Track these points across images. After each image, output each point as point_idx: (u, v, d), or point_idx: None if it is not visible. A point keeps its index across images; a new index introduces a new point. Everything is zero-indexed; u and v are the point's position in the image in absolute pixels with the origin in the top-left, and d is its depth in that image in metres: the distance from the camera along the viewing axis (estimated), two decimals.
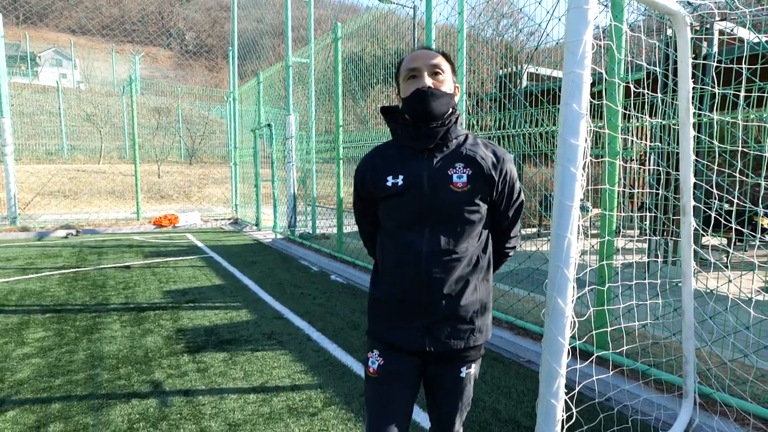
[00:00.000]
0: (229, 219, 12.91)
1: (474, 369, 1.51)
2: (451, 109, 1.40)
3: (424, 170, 1.37)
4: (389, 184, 1.39)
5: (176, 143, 23.83)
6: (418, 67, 1.37)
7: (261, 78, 10.55)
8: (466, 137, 1.45)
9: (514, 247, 1.60)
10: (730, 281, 2.55)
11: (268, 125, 9.57)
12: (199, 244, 9.01)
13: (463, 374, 1.47)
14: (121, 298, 5.11)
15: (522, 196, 1.51)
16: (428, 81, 1.37)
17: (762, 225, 5.14)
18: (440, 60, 1.39)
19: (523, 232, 8.93)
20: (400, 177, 1.39)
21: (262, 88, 10.55)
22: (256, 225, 11.17)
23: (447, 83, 1.39)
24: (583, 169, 1.67)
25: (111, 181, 17.69)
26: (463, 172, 1.37)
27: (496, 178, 1.40)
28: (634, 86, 2.15)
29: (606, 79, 2.42)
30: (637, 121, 3.01)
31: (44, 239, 9.32)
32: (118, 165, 20.44)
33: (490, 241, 1.48)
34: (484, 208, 1.40)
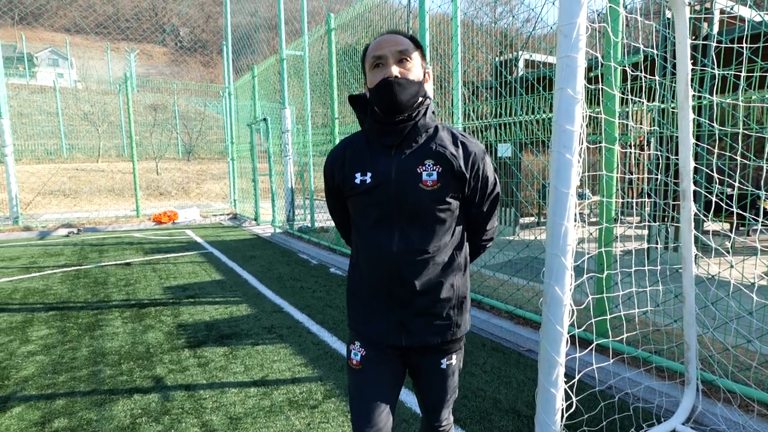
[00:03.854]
0: (227, 214, 12.90)
1: (455, 360, 1.48)
2: (420, 99, 1.32)
3: (392, 168, 1.31)
4: (357, 181, 1.34)
5: (173, 140, 23.78)
6: (384, 55, 1.28)
7: (256, 72, 10.48)
8: (437, 130, 1.37)
9: (491, 239, 1.55)
10: (732, 266, 2.54)
11: (264, 119, 9.53)
12: (199, 239, 9.00)
13: (443, 365, 1.44)
14: (122, 294, 5.11)
15: (497, 188, 1.44)
16: (395, 70, 1.27)
17: (765, 208, 5.10)
18: (407, 45, 1.30)
19: (522, 221, 8.95)
20: (369, 174, 1.33)
21: (257, 82, 10.49)
22: (255, 220, 11.16)
23: (415, 70, 1.30)
24: (579, 155, 1.65)
25: (110, 179, 17.67)
26: (433, 170, 1.30)
27: (468, 175, 1.33)
28: (631, 70, 2.12)
29: (602, 64, 2.39)
30: (635, 105, 2.98)
31: (46, 238, 9.32)
32: (116, 163, 20.43)
33: (465, 237, 1.44)
34: (456, 204, 1.34)
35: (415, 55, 1.31)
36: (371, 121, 1.36)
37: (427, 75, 1.37)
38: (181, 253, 7.54)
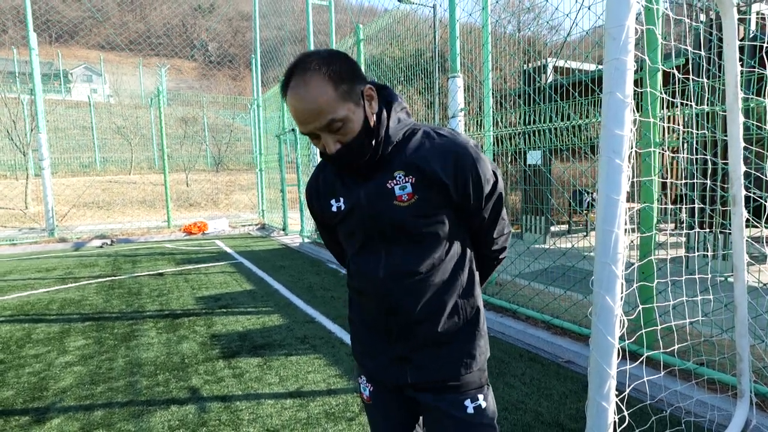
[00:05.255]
0: (256, 225, 13.06)
1: (484, 401, 1.20)
2: (372, 139, 1.10)
3: (361, 189, 1.15)
4: (334, 209, 1.21)
5: (203, 152, 24.32)
6: (311, 133, 1.06)
7: None
8: (408, 134, 1.16)
9: (503, 249, 1.32)
10: None
11: (293, 130, 9.64)
12: (229, 250, 9.13)
13: (470, 409, 1.17)
14: (156, 305, 5.20)
15: (499, 187, 1.20)
16: (331, 144, 1.06)
17: None
18: (327, 106, 1.01)
19: (553, 228, 8.79)
20: (342, 200, 1.19)
21: None
22: (284, 230, 11.26)
23: (351, 123, 1.05)
24: (629, 160, 1.60)
25: (142, 191, 18.15)
26: (406, 182, 1.11)
27: (449, 181, 1.10)
28: (677, 72, 2.05)
29: (649, 65, 2.31)
30: (678, 108, 2.88)
31: (81, 249, 9.60)
32: (148, 175, 20.98)
33: (469, 250, 1.23)
34: (447, 215, 1.14)
35: (342, 106, 1.03)
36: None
37: (368, 97, 1.10)
38: (212, 264, 7.65)
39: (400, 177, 1.11)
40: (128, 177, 20.51)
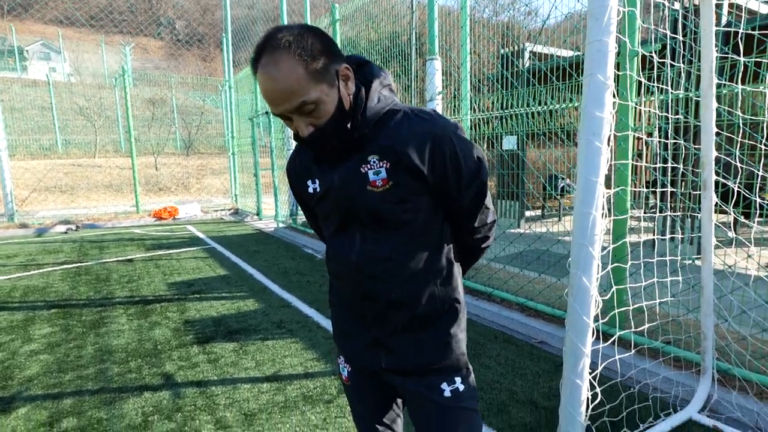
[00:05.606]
0: (229, 209, 12.83)
1: (461, 385, 1.17)
2: (349, 119, 1.04)
3: (335, 172, 1.10)
4: (310, 191, 1.18)
5: (172, 135, 23.62)
6: (281, 114, 1.01)
7: None
8: (386, 116, 1.09)
9: (486, 238, 1.25)
10: (749, 256, 2.51)
11: (266, 113, 9.45)
12: (201, 235, 8.95)
13: (447, 392, 1.15)
14: (125, 291, 5.06)
15: (483, 175, 1.13)
16: (304, 126, 1.01)
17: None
18: (298, 87, 0.95)
19: (528, 213, 8.93)
20: (317, 182, 1.16)
21: None
22: (258, 215, 11.10)
23: (325, 105, 0.99)
24: (608, 143, 1.61)
25: (108, 174, 17.56)
26: (380, 167, 1.05)
27: (424, 168, 1.05)
28: (653, 57, 2.08)
29: (628, 48, 2.34)
30: (655, 94, 2.94)
31: (44, 235, 9.24)
32: (114, 158, 20.29)
33: (448, 238, 1.18)
34: (425, 201, 1.09)
35: (314, 88, 0.97)
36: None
37: (343, 76, 1.03)
38: (184, 249, 7.49)
39: (374, 161, 1.06)
40: (93, 160, 19.77)
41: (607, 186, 1.68)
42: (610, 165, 1.76)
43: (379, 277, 1.11)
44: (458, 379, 1.17)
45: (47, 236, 9.07)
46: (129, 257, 6.86)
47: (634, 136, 2.68)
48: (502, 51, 5.69)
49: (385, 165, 1.05)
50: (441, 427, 1.14)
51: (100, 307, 4.50)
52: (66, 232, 9.53)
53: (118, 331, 3.87)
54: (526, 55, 5.88)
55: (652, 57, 2.13)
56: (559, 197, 8.47)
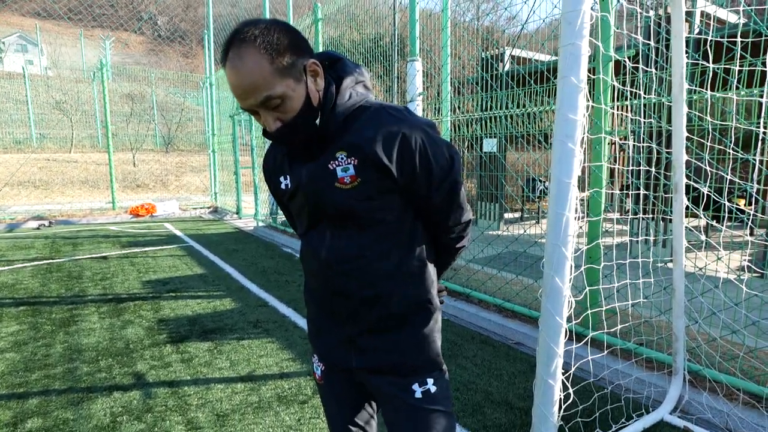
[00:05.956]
0: (208, 208, 12.66)
1: (434, 387, 1.15)
2: (316, 116, 1.04)
3: (303, 168, 1.10)
4: (282, 187, 1.17)
5: (151, 131, 23.23)
6: (251, 109, 1.00)
7: None
8: (357, 112, 1.08)
9: (461, 239, 1.23)
10: (719, 259, 2.57)
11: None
12: (179, 233, 8.80)
13: (417, 393, 1.13)
14: (98, 289, 4.94)
15: (454, 173, 1.11)
16: (271, 121, 1.00)
17: (737, 205, 5.24)
18: (264, 82, 0.94)
19: (507, 215, 9.01)
20: (288, 178, 1.15)
21: None
22: (237, 213, 10.97)
23: (291, 101, 0.99)
24: (581, 145, 1.63)
25: (84, 170, 17.16)
26: (348, 164, 1.04)
27: (392, 165, 1.03)
28: (628, 62, 2.12)
29: (602, 53, 2.38)
30: (629, 99, 3.00)
31: (15, 231, 8.98)
32: (90, 154, 19.84)
33: (421, 238, 1.16)
34: (392, 199, 1.08)
35: (279, 82, 0.96)
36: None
37: (312, 72, 1.02)
38: (161, 247, 7.35)
39: (342, 158, 1.04)
40: (68, 155, 19.32)
41: (583, 188, 1.69)
42: (584, 167, 1.78)
43: (349, 274, 1.10)
44: (430, 381, 1.16)
45: (18, 232, 8.82)
46: (103, 254, 6.71)
47: (608, 139, 2.72)
48: (483, 54, 5.73)
49: (353, 162, 1.04)
50: (412, 429, 1.13)
51: (71, 305, 4.39)
52: (38, 228, 9.27)
53: (89, 329, 3.78)
54: (506, 58, 5.94)
55: (625, 63, 2.17)
56: (537, 200, 8.56)
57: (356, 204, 1.05)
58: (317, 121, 1.04)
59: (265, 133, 1.06)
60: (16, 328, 3.81)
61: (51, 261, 6.28)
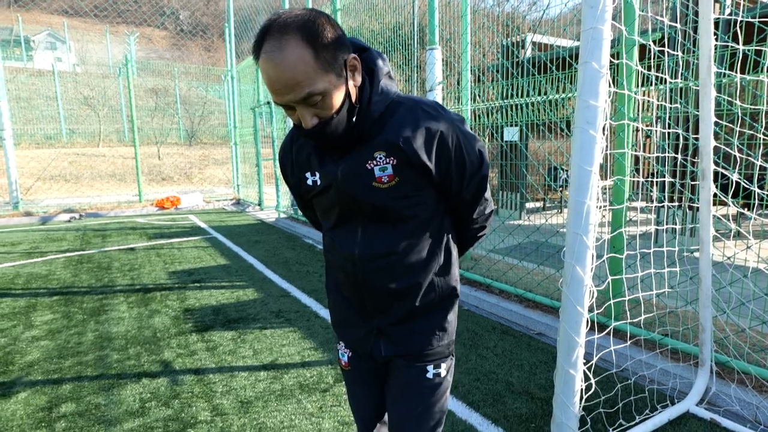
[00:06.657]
0: (231, 200, 12.85)
1: (444, 370, 1.22)
2: (354, 117, 1.01)
3: (338, 166, 1.07)
4: (309, 183, 1.15)
5: (175, 124, 23.63)
6: (287, 104, 0.95)
7: None
8: (392, 108, 1.06)
9: (482, 228, 1.26)
10: (748, 248, 2.49)
11: (268, 103, 9.42)
12: (203, 225, 8.97)
13: (430, 374, 1.20)
14: (126, 279, 5.09)
15: (485, 168, 1.13)
16: (308, 117, 0.95)
17: None
18: (304, 78, 0.89)
19: (529, 205, 8.89)
20: (317, 175, 1.12)
21: None
22: (259, 205, 11.11)
23: (331, 99, 0.94)
24: (603, 132, 1.59)
25: (111, 164, 17.60)
26: (387, 163, 1.03)
27: (431, 163, 1.04)
28: (653, 46, 2.06)
29: (626, 37, 2.31)
30: (655, 83, 2.91)
31: (48, 224, 9.29)
32: (117, 148, 20.33)
33: (447, 228, 1.18)
34: (427, 195, 1.09)
35: (322, 78, 0.91)
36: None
37: (352, 67, 0.99)
38: (185, 238, 7.51)
39: (381, 158, 1.04)
40: (96, 149, 19.82)
41: (606, 176, 1.66)
42: (607, 155, 1.74)
43: (380, 270, 1.12)
44: (443, 365, 1.22)
45: (51, 224, 9.12)
46: (131, 246, 6.89)
47: (632, 126, 2.66)
48: (503, 41, 5.64)
49: (391, 161, 1.04)
50: (415, 405, 1.19)
51: (101, 295, 4.53)
52: (69, 221, 9.57)
53: (118, 318, 3.90)
54: (528, 44, 5.83)
55: (650, 47, 2.11)
56: (559, 189, 8.42)
57: (392, 202, 1.06)
58: (354, 119, 1.01)
59: (299, 129, 1.02)
60: (50, 317, 3.96)
61: (82, 252, 6.49)
